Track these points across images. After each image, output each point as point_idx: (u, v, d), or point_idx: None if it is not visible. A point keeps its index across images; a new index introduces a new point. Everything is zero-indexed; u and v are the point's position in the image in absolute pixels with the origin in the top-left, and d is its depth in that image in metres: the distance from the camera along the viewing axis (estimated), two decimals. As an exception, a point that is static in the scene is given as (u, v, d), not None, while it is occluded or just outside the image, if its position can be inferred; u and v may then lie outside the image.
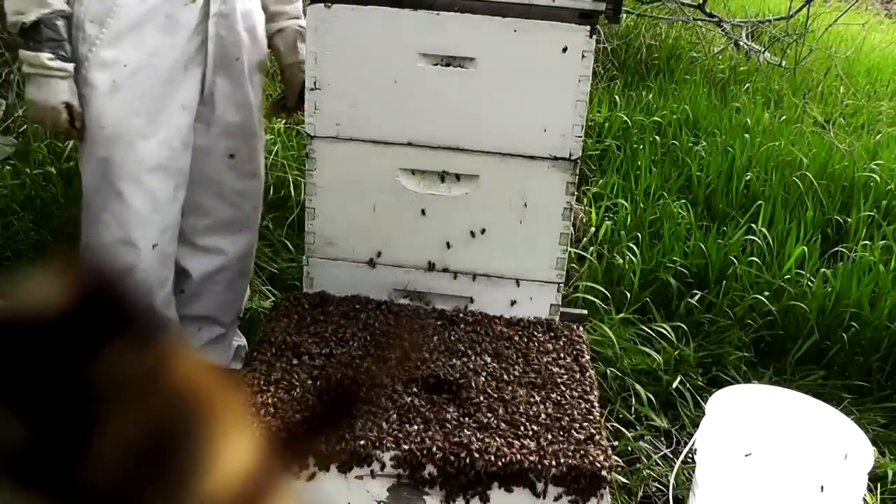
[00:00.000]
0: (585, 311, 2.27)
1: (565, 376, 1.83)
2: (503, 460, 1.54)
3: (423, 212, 2.06)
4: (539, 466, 1.54)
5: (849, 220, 3.58)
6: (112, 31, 1.86)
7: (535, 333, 1.99)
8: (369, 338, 1.90)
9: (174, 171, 1.99)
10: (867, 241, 3.38)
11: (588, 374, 1.85)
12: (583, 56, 1.92)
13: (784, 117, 4.79)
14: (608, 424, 2.42)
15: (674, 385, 2.60)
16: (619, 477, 2.25)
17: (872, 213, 3.62)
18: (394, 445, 1.56)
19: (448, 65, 1.97)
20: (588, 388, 1.79)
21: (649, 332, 2.82)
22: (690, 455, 2.00)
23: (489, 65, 1.95)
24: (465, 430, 1.61)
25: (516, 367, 1.84)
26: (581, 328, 2.06)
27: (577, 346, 1.96)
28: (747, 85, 5.28)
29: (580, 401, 1.74)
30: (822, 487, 1.70)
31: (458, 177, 2.04)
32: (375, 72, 1.97)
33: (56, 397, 0.35)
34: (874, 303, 2.96)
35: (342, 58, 1.97)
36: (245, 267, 2.29)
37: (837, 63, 5.81)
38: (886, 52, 6.98)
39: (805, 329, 2.85)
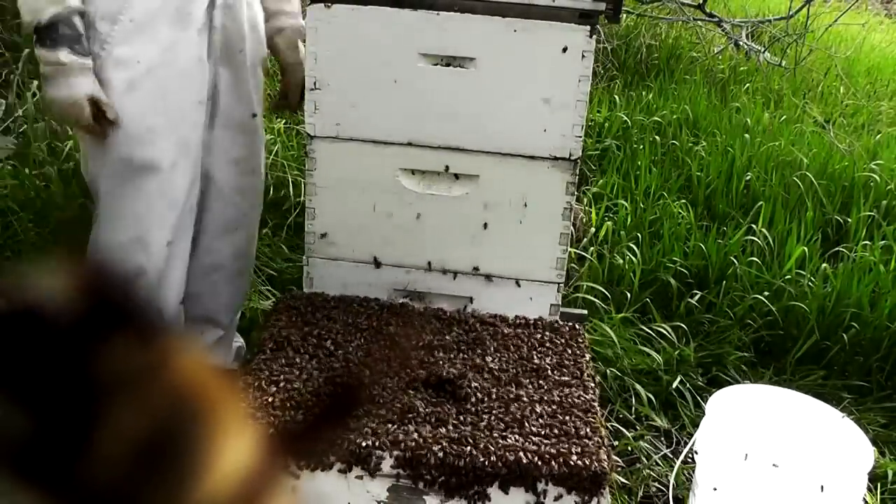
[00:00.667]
0: (585, 311, 2.27)
1: (565, 376, 1.83)
2: (503, 460, 1.54)
3: (422, 212, 2.06)
4: (539, 466, 1.54)
5: (849, 220, 3.58)
6: (125, 28, 1.85)
7: (535, 333, 1.99)
8: (369, 338, 1.90)
9: (191, 168, 1.98)
10: (867, 241, 3.38)
11: (588, 374, 1.85)
12: (583, 56, 1.92)
13: (784, 117, 4.79)
14: (608, 424, 2.42)
15: (674, 385, 2.60)
16: (619, 477, 2.25)
17: (872, 213, 3.62)
18: (394, 445, 1.56)
19: (448, 65, 1.97)
20: (588, 388, 1.79)
21: (649, 332, 2.82)
22: (690, 455, 2.00)
23: (489, 65, 1.95)
24: (465, 430, 1.61)
25: (516, 367, 1.84)
26: (581, 328, 2.06)
27: (578, 346, 1.96)
28: (747, 85, 5.28)
29: (580, 401, 1.74)
30: (821, 487, 1.70)
31: (458, 177, 2.04)
32: (375, 72, 1.97)
33: (59, 393, 0.35)
34: (874, 303, 2.96)
35: (342, 58, 1.97)
36: (242, 266, 2.26)
37: (837, 63, 5.80)
38: (886, 52, 6.98)
39: (805, 329, 2.85)
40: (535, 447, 1.58)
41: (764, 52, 5.75)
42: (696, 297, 2.97)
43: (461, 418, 1.65)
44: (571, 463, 1.55)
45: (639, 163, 3.88)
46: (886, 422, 2.62)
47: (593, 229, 3.34)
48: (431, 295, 2.12)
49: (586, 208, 3.51)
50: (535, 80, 1.94)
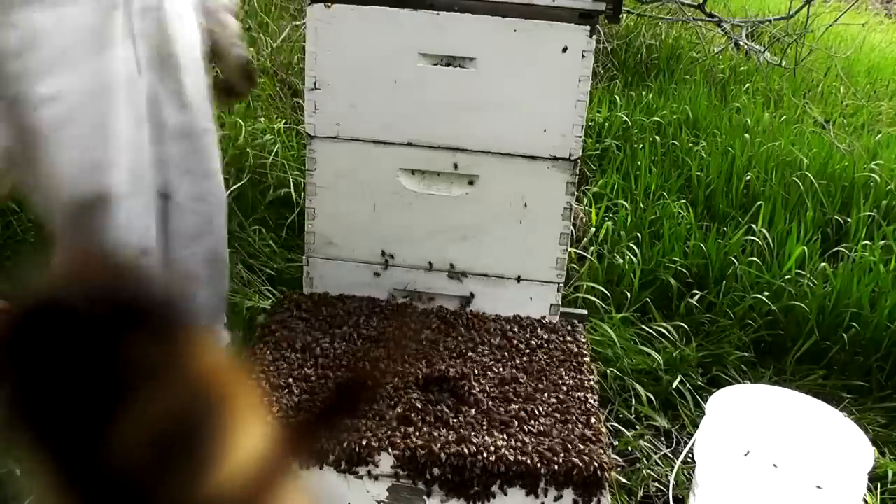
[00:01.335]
0: (585, 311, 2.27)
1: (565, 376, 1.83)
2: (503, 460, 1.55)
3: (422, 212, 2.06)
4: (539, 466, 1.54)
5: (849, 220, 3.58)
6: (42, 64, 1.64)
7: (535, 333, 1.99)
8: (369, 337, 1.90)
9: (145, 191, 1.82)
10: (867, 241, 3.38)
11: (588, 373, 1.85)
12: (583, 56, 1.92)
13: (784, 117, 4.79)
14: (608, 424, 2.42)
15: (674, 385, 2.60)
16: (619, 477, 2.25)
17: (872, 213, 3.62)
18: (394, 445, 1.56)
19: (448, 65, 1.97)
20: (588, 388, 1.79)
21: (649, 332, 2.82)
22: (690, 455, 2.00)
23: (489, 65, 1.95)
24: (465, 430, 1.61)
25: (516, 366, 1.84)
26: (581, 328, 2.06)
27: (578, 347, 1.96)
28: (747, 85, 5.28)
29: (580, 401, 1.74)
30: (821, 487, 1.70)
31: (457, 177, 2.05)
32: (375, 72, 1.97)
33: (81, 383, 0.36)
34: (874, 303, 2.96)
35: (342, 58, 1.97)
36: (216, 270, 2.08)
37: (837, 63, 5.80)
38: (886, 52, 6.98)
39: (805, 329, 2.85)
40: (535, 447, 1.58)
41: (764, 52, 5.75)
42: (696, 297, 2.97)
43: (461, 418, 1.65)
44: (571, 463, 1.55)
45: (639, 163, 3.88)
46: (886, 422, 2.62)
47: (593, 229, 3.34)
48: (431, 295, 2.12)
49: (586, 208, 3.51)
50: (535, 80, 1.95)
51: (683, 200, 3.62)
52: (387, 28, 1.94)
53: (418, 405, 1.66)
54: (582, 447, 1.59)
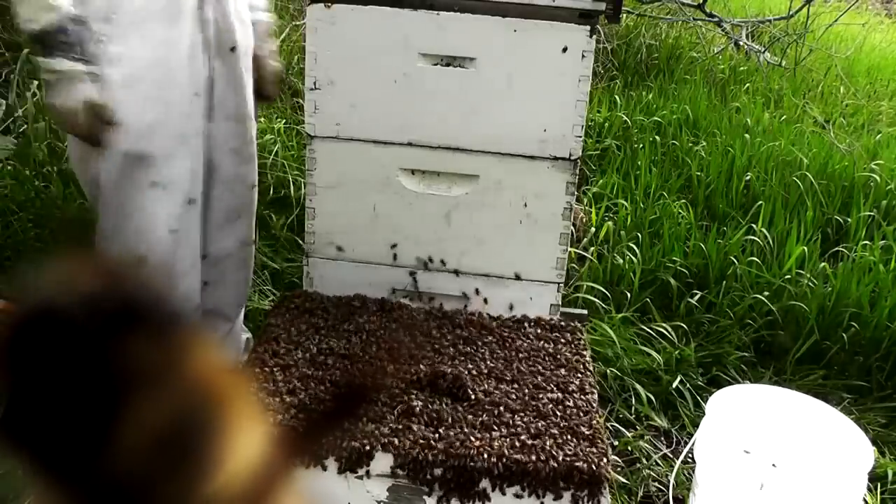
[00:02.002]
0: (585, 311, 2.27)
1: (565, 376, 1.83)
2: (503, 460, 1.54)
3: (422, 212, 2.06)
4: (539, 466, 1.54)
5: (849, 220, 3.58)
6: (118, 27, 1.88)
7: (536, 333, 1.99)
8: (369, 337, 1.90)
9: (190, 159, 2.01)
10: (867, 241, 3.38)
11: (588, 373, 1.85)
12: (583, 56, 1.92)
13: (784, 117, 4.79)
14: (608, 424, 2.42)
15: (674, 385, 2.60)
16: (619, 477, 2.25)
17: (872, 213, 3.62)
18: (394, 445, 1.56)
19: (448, 65, 1.97)
20: (588, 388, 1.79)
21: (649, 332, 2.82)
22: (690, 455, 2.00)
23: (489, 65, 1.95)
24: (465, 430, 1.61)
25: (516, 366, 1.84)
26: (581, 328, 2.06)
27: (577, 346, 1.96)
28: (747, 85, 5.28)
29: (580, 401, 1.74)
30: (821, 487, 1.70)
31: (458, 177, 2.04)
32: (375, 72, 1.97)
33: (80, 388, 0.36)
34: (874, 303, 2.96)
35: (342, 58, 1.97)
36: (247, 255, 2.29)
37: (837, 63, 5.80)
38: (886, 52, 6.98)
39: (805, 329, 2.85)
40: (534, 447, 1.58)
41: (764, 52, 5.75)
42: (696, 297, 2.98)
43: (461, 418, 1.65)
44: (571, 463, 1.55)
45: (639, 163, 3.88)
46: (886, 422, 2.62)
47: (593, 229, 3.34)
48: (431, 294, 2.12)
49: (586, 208, 3.51)
50: (535, 80, 1.94)
51: (683, 200, 3.62)
52: (387, 28, 1.94)
53: (418, 405, 1.66)
54: (582, 447, 1.59)
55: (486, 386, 1.75)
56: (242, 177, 2.18)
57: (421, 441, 1.57)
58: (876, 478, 2.30)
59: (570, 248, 2.16)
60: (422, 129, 2.01)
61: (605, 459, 1.57)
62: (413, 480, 1.57)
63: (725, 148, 4.07)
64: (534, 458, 1.55)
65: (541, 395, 1.75)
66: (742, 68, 5.57)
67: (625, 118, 4.37)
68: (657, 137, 4.20)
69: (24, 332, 0.36)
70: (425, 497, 1.58)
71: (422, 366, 1.78)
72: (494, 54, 1.94)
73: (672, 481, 2.13)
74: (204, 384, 0.39)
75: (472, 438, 1.59)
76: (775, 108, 5.02)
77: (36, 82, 3.29)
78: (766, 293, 2.96)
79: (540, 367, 1.85)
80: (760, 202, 3.53)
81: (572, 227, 2.20)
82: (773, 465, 1.73)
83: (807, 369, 2.79)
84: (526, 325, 2.02)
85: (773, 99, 5.15)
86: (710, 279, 3.12)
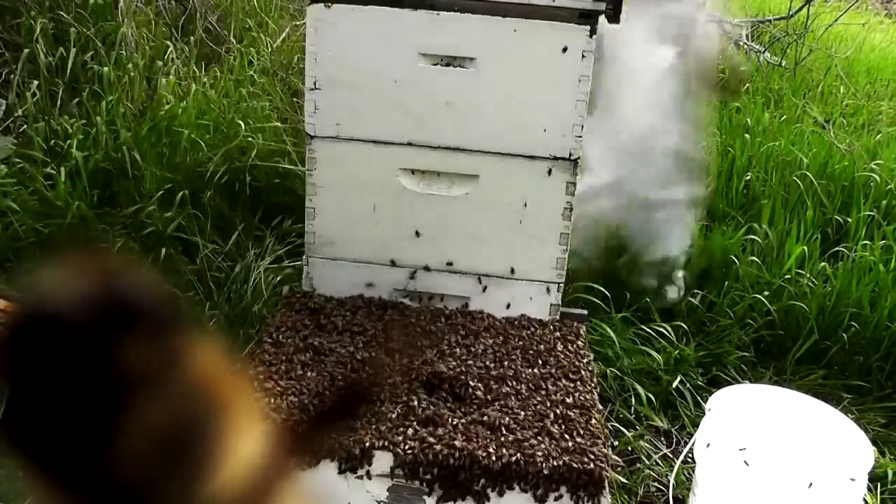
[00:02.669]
0: (585, 311, 2.27)
1: (565, 376, 1.83)
2: (503, 460, 1.55)
3: (423, 212, 2.06)
4: (539, 466, 1.54)
5: (849, 219, 3.57)
6: None
7: (535, 333, 1.99)
8: (369, 337, 1.90)
9: None
10: (867, 241, 3.38)
11: (588, 373, 1.85)
12: (583, 56, 1.92)
13: (784, 117, 4.79)
14: (608, 424, 2.42)
15: (674, 385, 2.60)
16: (619, 477, 2.25)
17: (872, 213, 3.62)
18: (394, 445, 1.56)
19: (448, 65, 1.97)
20: (588, 388, 1.79)
21: (649, 332, 2.82)
22: (690, 455, 2.00)
23: (489, 65, 1.95)
24: (465, 430, 1.61)
25: (516, 366, 1.84)
26: (581, 328, 2.06)
27: (577, 346, 1.96)
28: (747, 85, 5.27)
29: (580, 400, 1.74)
30: (821, 487, 1.70)
31: (458, 177, 2.04)
32: (375, 72, 1.97)
33: (79, 390, 0.36)
34: (874, 303, 2.96)
35: (342, 58, 1.97)
36: None
37: (837, 63, 5.80)
38: (886, 52, 6.97)
39: (805, 329, 2.85)
40: (534, 447, 1.58)
41: (764, 51, 5.75)
42: (697, 297, 2.97)
43: (461, 418, 1.65)
44: (571, 463, 1.55)
45: (639, 163, 3.87)
46: (886, 422, 2.62)
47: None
48: (432, 294, 2.12)
49: (586, 208, 3.50)
50: (535, 80, 1.94)
51: (683, 200, 3.61)
52: (387, 28, 1.94)
53: (418, 405, 1.66)
54: (582, 447, 1.59)
55: (485, 386, 1.75)
56: None
57: (421, 441, 1.57)
58: (876, 478, 2.30)
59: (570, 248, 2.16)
60: (422, 129, 2.01)
61: (605, 459, 1.57)
62: (413, 480, 1.57)
63: (725, 148, 4.07)
64: (533, 457, 1.55)
65: (540, 395, 1.75)
66: (742, 68, 5.57)
67: (625, 118, 4.35)
68: (657, 137, 4.19)
69: (22, 332, 0.36)
70: (425, 497, 1.58)
71: (422, 365, 1.78)
72: (494, 54, 1.94)
73: (672, 481, 2.13)
74: (204, 385, 0.39)
75: (472, 438, 1.59)
76: (775, 108, 5.01)
77: (36, 82, 3.29)
78: (766, 293, 2.96)
79: (540, 367, 1.85)
80: (761, 202, 3.53)
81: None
82: (773, 464, 1.73)
83: (807, 369, 2.79)
84: (526, 324, 2.02)
85: (773, 99, 5.15)
86: (710, 279, 3.12)
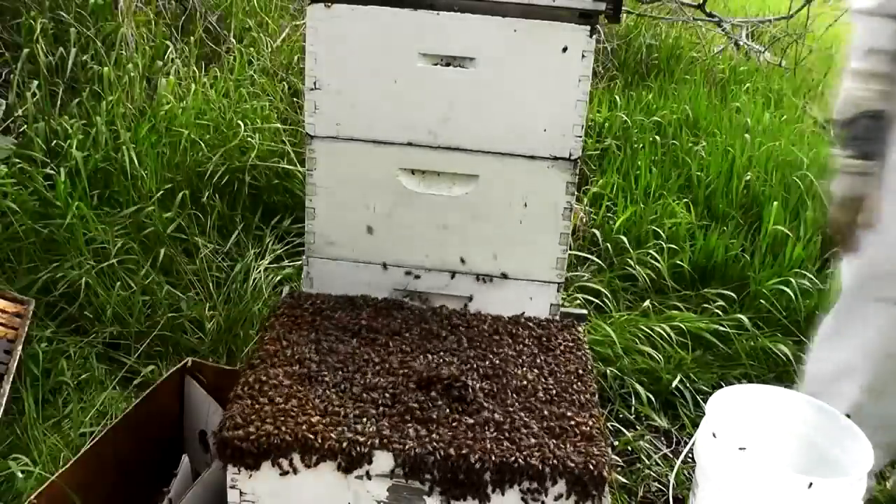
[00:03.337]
0: (585, 311, 2.27)
1: (565, 376, 1.83)
2: (503, 460, 1.55)
3: (423, 212, 2.06)
4: (539, 466, 1.54)
5: (849, 220, 3.57)
6: None
7: (535, 333, 1.99)
8: (369, 337, 1.90)
9: None
10: (867, 241, 3.38)
11: (588, 373, 1.85)
12: (583, 56, 1.92)
13: (784, 117, 4.79)
14: (608, 424, 2.42)
15: (674, 385, 2.60)
16: (619, 477, 2.25)
17: (872, 213, 3.61)
18: (394, 445, 1.56)
19: (448, 65, 1.97)
20: (588, 388, 1.79)
21: (649, 332, 2.82)
22: (690, 455, 2.00)
23: (489, 65, 1.95)
24: (465, 430, 1.61)
25: (516, 366, 1.84)
26: (581, 328, 2.06)
27: (577, 346, 1.96)
28: (747, 85, 5.28)
29: (580, 400, 1.74)
30: (822, 487, 1.70)
31: (458, 177, 2.04)
32: (375, 72, 1.97)
33: None
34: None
35: (342, 58, 1.97)
36: None
37: (837, 63, 5.80)
38: (886, 52, 6.97)
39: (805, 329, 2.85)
40: (534, 447, 1.58)
41: (764, 52, 5.75)
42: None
43: (461, 418, 1.65)
44: (571, 463, 1.55)
45: (639, 163, 3.88)
46: (886, 422, 2.62)
47: (593, 229, 3.34)
48: (431, 294, 2.12)
49: (586, 208, 3.51)
50: (535, 80, 1.94)
51: (684, 200, 3.62)
52: (387, 28, 1.94)
53: (418, 405, 1.66)
54: (582, 447, 1.59)
55: (485, 386, 1.75)
56: None
57: (421, 441, 1.57)
58: (876, 478, 2.30)
59: (569, 248, 2.16)
60: (422, 129, 2.01)
61: (605, 459, 1.57)
62: (413, 480, 1.57)
63: (725, 148, 4.08)
64: (533, 457, 1.55)
65: (540, 395, 1.75)
66: (742, 68, 5.57)
67: (625, 118, 4.37)
68: (657, 137, 4.20)
69: None
70: (425, 497, 1.58)
71: (421, 366, 1.78)
72: (494, 54, 1.94)
73: (672, 481, 2.13)
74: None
75: (472, 438, 1.59)
76: (775, 108, 5.02)
77: (36, 82, 3.29)
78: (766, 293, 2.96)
79: (540, 367, 1.85)
80: (761, 202, 3.53)
81: (572, 227, 2.19)
82: (773, 464, 1.73)
83: (807, 369, 2.79)
84: (526, 324, 2.02)
85: (773, 99, 5.15)
86: (710, 279, 3.12)
